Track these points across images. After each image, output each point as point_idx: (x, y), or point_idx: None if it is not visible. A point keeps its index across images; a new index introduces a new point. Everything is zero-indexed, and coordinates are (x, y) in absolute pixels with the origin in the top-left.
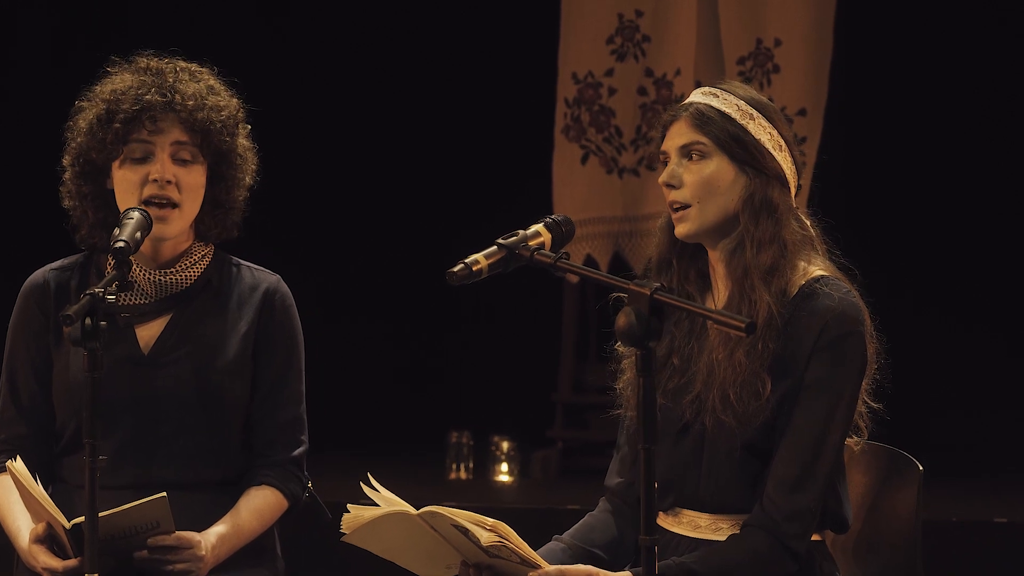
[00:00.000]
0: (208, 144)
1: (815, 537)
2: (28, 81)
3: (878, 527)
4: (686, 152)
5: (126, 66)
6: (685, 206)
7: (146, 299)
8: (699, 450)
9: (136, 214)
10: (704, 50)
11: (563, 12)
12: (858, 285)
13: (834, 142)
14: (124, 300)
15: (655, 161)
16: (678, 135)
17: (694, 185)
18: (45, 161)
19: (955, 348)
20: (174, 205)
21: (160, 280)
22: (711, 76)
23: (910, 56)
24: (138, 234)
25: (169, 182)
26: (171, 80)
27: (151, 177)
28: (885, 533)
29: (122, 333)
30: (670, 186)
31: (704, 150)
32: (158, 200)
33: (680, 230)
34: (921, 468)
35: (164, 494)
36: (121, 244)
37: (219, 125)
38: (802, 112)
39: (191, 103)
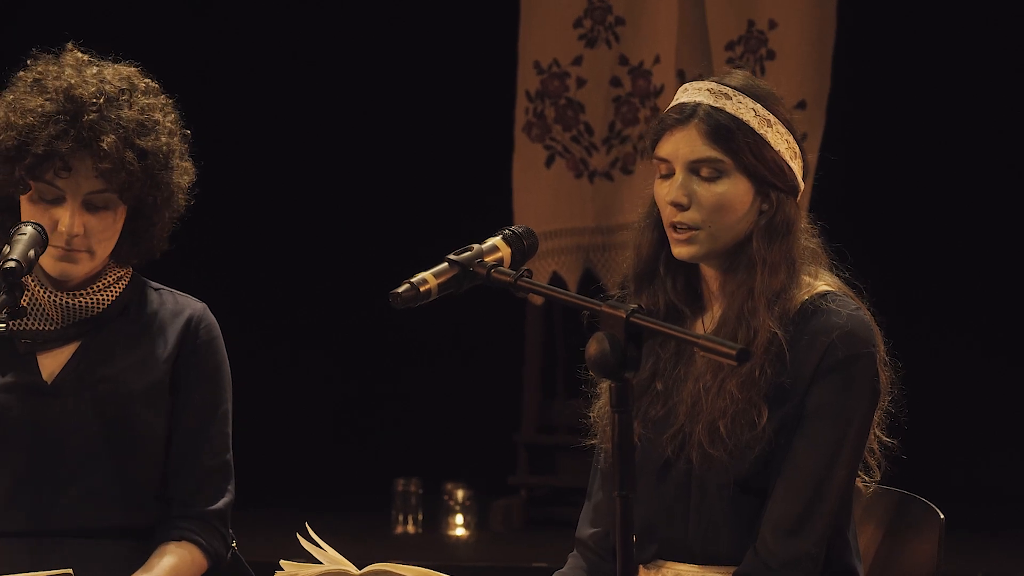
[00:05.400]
0: (128, 192)
1: None
2: None
3: None
4: (696, 168)
5: (53, 62)
6: (693, 228)
7: (51, 324)
8: (685, 490)
9: (29, 229)
10: (687, 34)
11: None
12: (868, 303)
13: (836, 139)
14: (25, 324)
15: (631, 163)
16: (687, 146)
17: (709, 209)
18: None
19: (980, 379)
20: (84, 250)
21: (68, 303)
22: (695, 64)
23: (925, 41)
24: (31, 252)
25: (77, 235)
26: (94, 115)
27: (59, 227)
28: None
29: (21, 360)
30: (679, 205)
31: (722, 168)
32: (65, 249)
33: (682, 252)
34: (943, 517)
35: (70, 570)
36: (12, 264)
37: (143, 176)
38: (801, 105)
39: (110, 158)
